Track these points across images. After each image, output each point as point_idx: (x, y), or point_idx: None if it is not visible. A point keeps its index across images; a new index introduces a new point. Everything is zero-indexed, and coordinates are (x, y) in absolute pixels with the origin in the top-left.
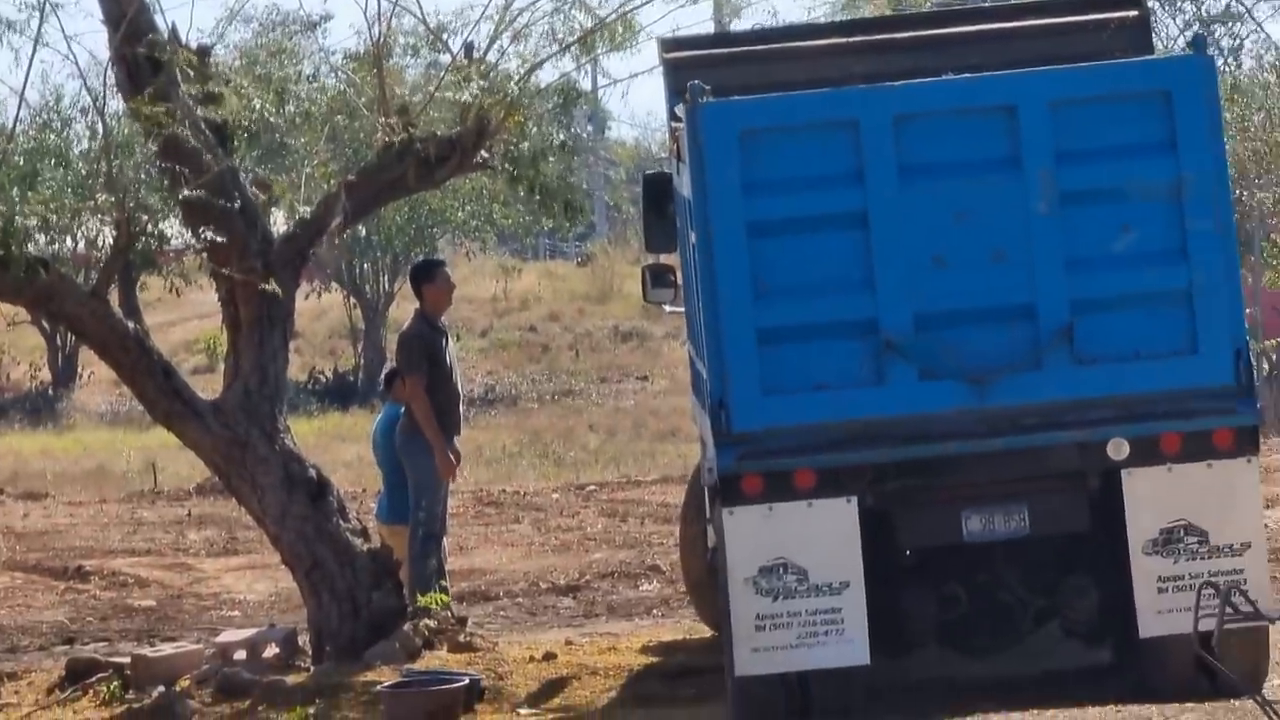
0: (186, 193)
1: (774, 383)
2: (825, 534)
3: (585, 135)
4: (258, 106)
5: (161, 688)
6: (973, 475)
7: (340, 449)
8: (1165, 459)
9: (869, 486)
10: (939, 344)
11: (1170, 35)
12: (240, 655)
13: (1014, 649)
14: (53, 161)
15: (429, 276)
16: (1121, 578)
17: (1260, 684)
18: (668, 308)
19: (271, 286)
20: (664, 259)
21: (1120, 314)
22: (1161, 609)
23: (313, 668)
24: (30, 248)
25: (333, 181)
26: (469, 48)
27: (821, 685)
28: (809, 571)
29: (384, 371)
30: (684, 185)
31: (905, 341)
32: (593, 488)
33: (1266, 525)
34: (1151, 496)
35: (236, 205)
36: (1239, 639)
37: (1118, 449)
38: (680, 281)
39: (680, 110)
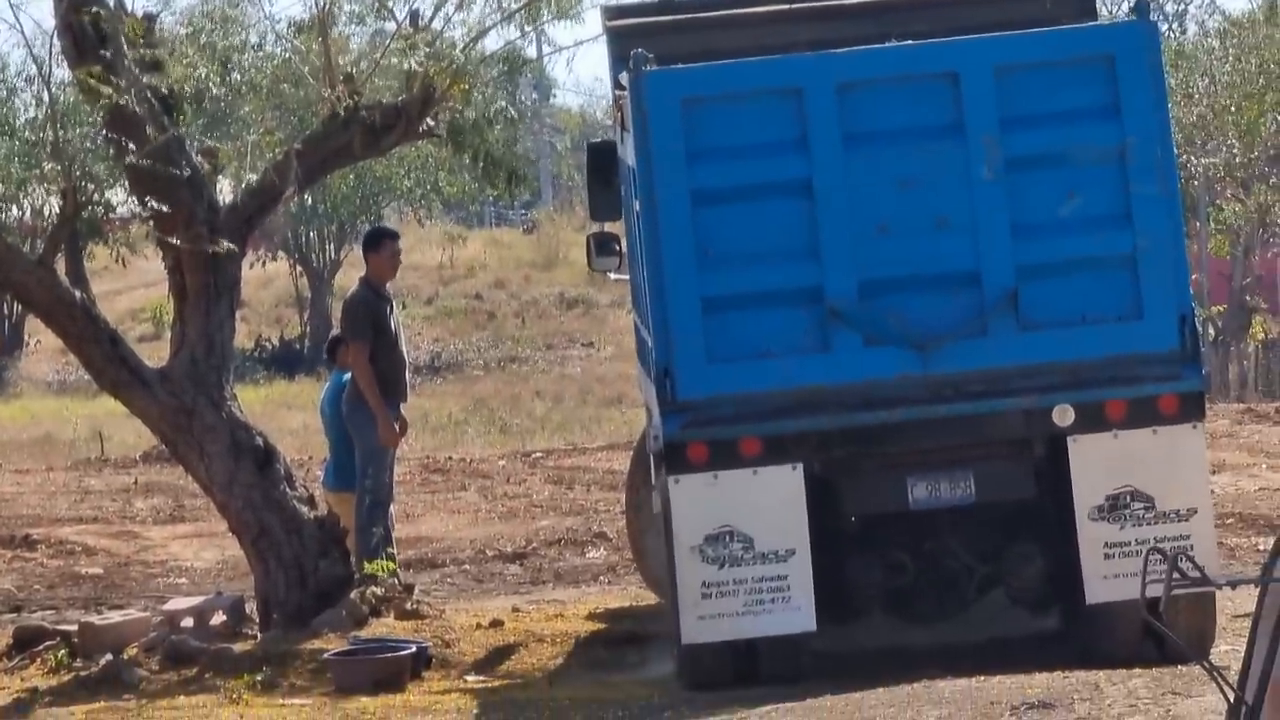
0: (132, 161)
1: (719, 351)
2: (771, 502)
3: (530, 103)
4: (203, 75)
5: (109, 655)
6: (918, 442)
7: (287, 417)
8: (1111, 425)
9: (814, 454)
10: (884, 311)
11: (1114, 2)
12: (188, 623)
13: (960, 616)
14: None
15: (375, 244)
16: (1068, 545)
17: (1207, 649)
18: (613, 275)
19: (218, 253)
20: (609, 227)
21: (1065, 280)
22: (1108, 575)
23: (260, 635)
24: None
25: (279, 150)
26: (414, 15)
27: (768, 652)
28: (755, 539)
29: (329, 339)
30: (628, 153)
31: (850, 309)
32: (539, 455)
33: (1213, 491)
34: (1097, 463)
35: (183, 174)
36: (1186, 605)
37: (1063, 415)
38: (625, 249)
39: (624, 78)
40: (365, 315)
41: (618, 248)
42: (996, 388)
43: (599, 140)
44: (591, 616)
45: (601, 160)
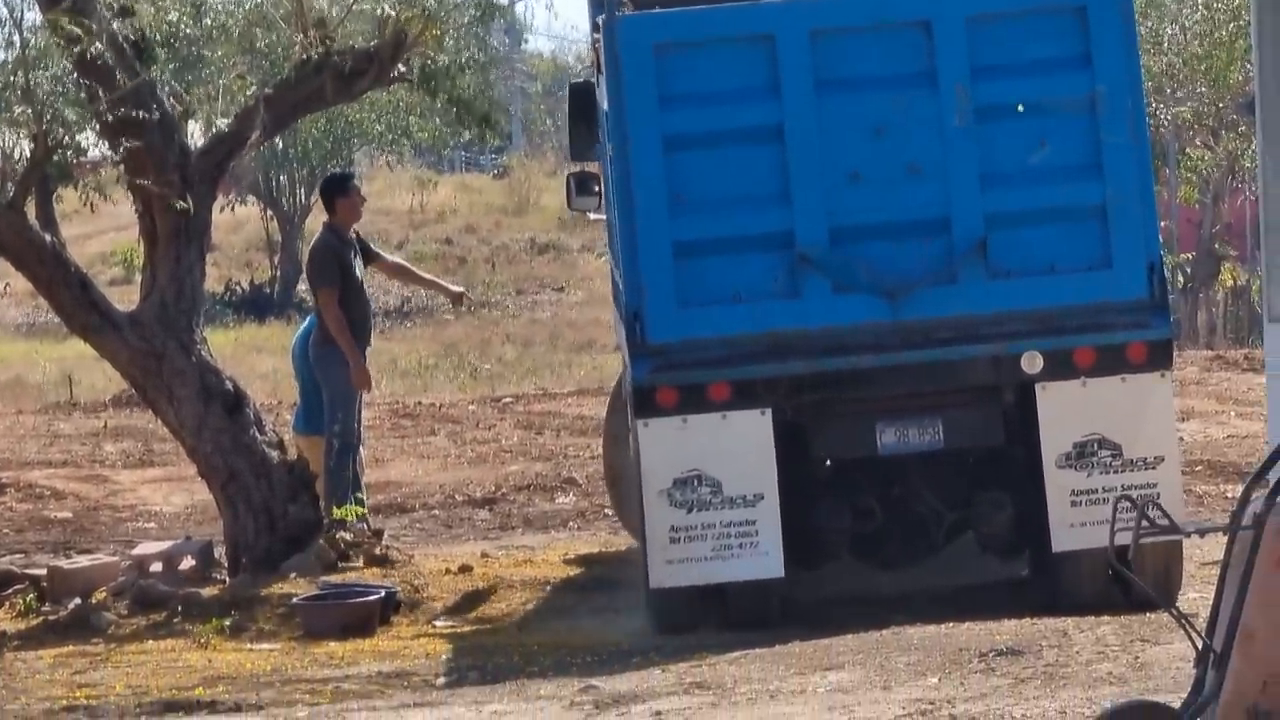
0: (103, 105)
1: (689, 295)
2: (740, 446)
3: (502, 48)
4: (174, 19)
5: (78, 600)
6: (887, 388)
7: (256, 361)
8: (1079, 373)
9: (784, 399)
10: (854, 257)
11: None
12: (157, 567)
13: (930, 562)
14: None
15: (343, 189)
16: (1036, 491)
17: (1174, 596)
18: (591, 215)
19: (188, 200)
20: (589, 168)
21: (1035, 228)
22: (1074, 522)
23: (229, 580)
24: None
25: (250, 95)
26: None
27: (737, 597)
28: (723, 484)
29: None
30: (603, 97)
31: (820, 255)
32: (509, 400)
33: (1182, 438)
34: (1065, 410)
35: (154, 118)
36: (1152, 552)
37: (1031, 363)
38: (603, 191)
39: (600, 21)
40: (332, 261)
41: (597, 188)
42: (965, 334)
43: (580, 81)
44: (561, 562)
45: (582, 101)
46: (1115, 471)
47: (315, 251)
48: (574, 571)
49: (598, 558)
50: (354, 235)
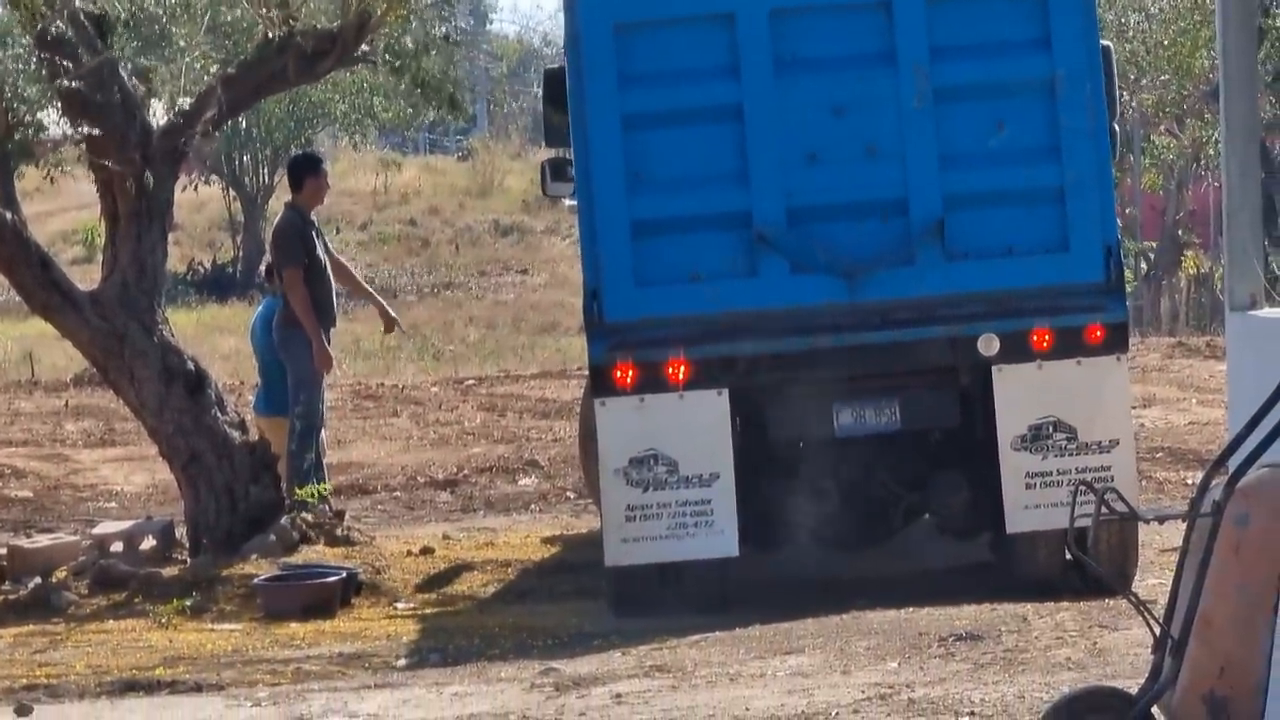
0: (65, 83)
1: (647, 274)
2: (696, 426)
3: (467, 28)
4: None
5: (38, 579)
6: (844, 369)
7: (218, 341)
8: (1035, 355)
9: (740, 379)
10: (812, 238)
11: None
12: (117, 547)
13: (887, 544)
14: None
15: (314, 170)
16: (993, 474)
17: (1130, 581)
18: (567, 201)
19: (149, 179)
20: (564, 154)
21: (993, 210)
22: (1029, 505)
23: (190, 560)
24: None
25: (213, 74)
26: None
27: (694, 577)
28: (679, 463)
29: (264, 263)
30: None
31: (777, 235)
32: (471, 382)
33: (1143, 425)
34: (1021, 393)
35: (116, 97)
36: (1109, 537)
37: (988, 344)
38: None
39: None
40: (297, 240)
41: (572, 174)
42: (922, 316)
43: (555, 66)
44: (522, 544)
45: (556, 86)
46: (1070, 454)
47: (280, 231)
48: (535, 554)
49: (559, 540)
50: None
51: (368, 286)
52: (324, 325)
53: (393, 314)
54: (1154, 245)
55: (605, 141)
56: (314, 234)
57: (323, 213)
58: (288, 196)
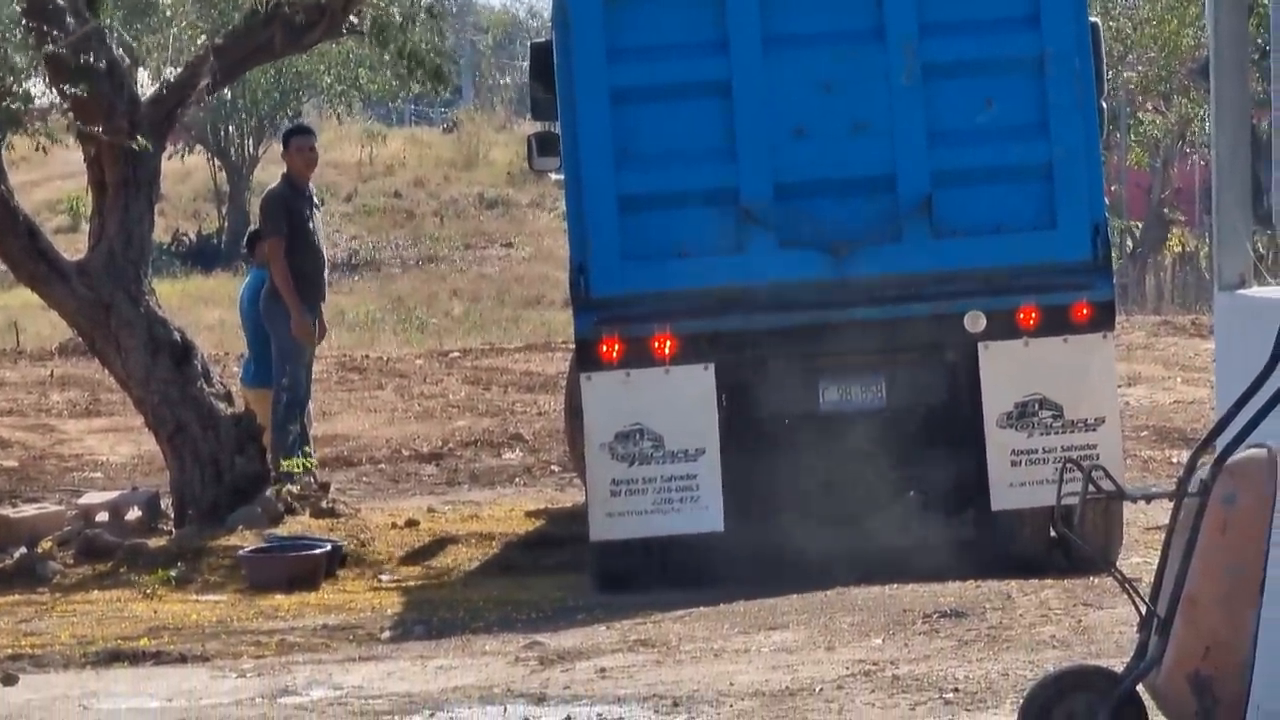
0: (52, 51)
1: (634, 249)
2: (682, 401)
3: (453, 1)
4: None
5: (23, 549)
6: (830, 345)
7: (204, 312)
8: (1021, 333)
9: (726, 354)
10: (799, 214)
11: None
12: (103, 517)
13: (872, 521)
14: None
15: (287, 141)
16: (979, 451)
17: (1113, 560)
18: (553, 175)
19: (138, 147)
20: (550, 128)
21: (980, 187)
22: (1014, 482)
23: (175, 531)
24: None
25: (200, 44)
26: None
27: (679, 552)
28: (665, 438)
29: (248, 234)
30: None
31: (764, 210)
32: (456, 355)
33: (1128, 403)
34: (1007, 370)
35: (103, 66)
36: (1093, 516)
37: (974, 322)
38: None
39: None
40: (281, 211)
41: (559, 148)
42: (909, 293)
43: (542, 40)
44: (507, 518)
45: (543, 61)
46: (1056, 432)
47: (266, 202)
48: (519, 527)
49: (544, 514)
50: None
51: (288, 289)
52: (312, 298)
53: (303, 322)
54: (1139, 223)
55: (593, 116)
56: (307, 205)
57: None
58: (279, 168)
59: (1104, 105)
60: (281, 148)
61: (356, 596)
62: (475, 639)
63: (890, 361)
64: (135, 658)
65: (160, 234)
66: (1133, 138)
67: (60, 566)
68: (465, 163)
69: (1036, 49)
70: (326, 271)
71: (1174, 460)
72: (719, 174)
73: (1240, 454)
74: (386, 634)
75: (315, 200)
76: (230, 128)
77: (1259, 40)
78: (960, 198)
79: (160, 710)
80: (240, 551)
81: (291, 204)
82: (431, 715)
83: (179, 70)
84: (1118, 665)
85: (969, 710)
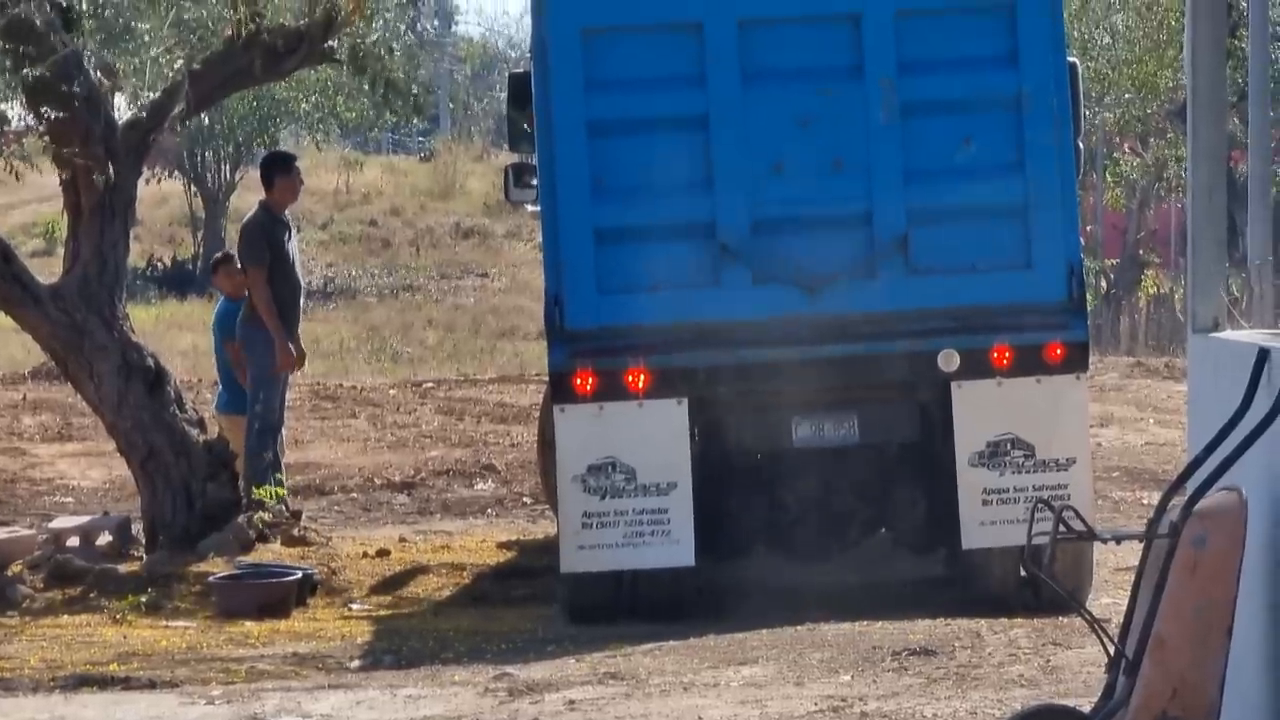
0: (29, 75)
1: (609, 282)
2: (655, 434)
3: (432, 29)
4: None
5: None
6: (803, 381)
7: (177, 337)
8: (995, 372)
9: (700, 389)
10: (775, 249)
11: None
12: (73, 542)
13: (844, 557)
14: None
15: (284, 168)
16: (949, 489)
17: (1083, 600)
18: (529, 207)
19: (112, 173)
20: (530, 159)
21: (956, 226)
22: (985, 521)
23: (146, 557)
24: None
25: (178, 69)
26: None
27: (650, 585)
28: (637, 471)
29: (212, 259)
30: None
31: (740, 246)
32: (430, 385)
33: (1100, 445)
34: (980, 409)
35: (80, 90)
36: (1063, 556)
37: (948, 360)
38: None
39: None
40: (262, 239)
41: (535, 180)
42: (883, 330)
43: (520, 71)
44: (478, 548)
45: (521, 91)
46: (1027, 471)
47: (246, 229)
48: (490, 558)
49: (514, 545)
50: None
51: (270, 317)
52: (290, 325)
53: (285, 349)
54: (1115, 264)
55: (570, 147)
56: (284, 232)
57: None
58: (255, 194)
59: (1080, 145)
60: (263, 174)
61: (326, 625)
62: (445, 669)
63: (863, 398)
64: (104, 683)
65: (135, 259)
66: (1109, 178)
67: (30, 590)
68: (442, 192)
69: (1014, 88)
70: (303, 298)
71: (1145, 501)
72: (696, 208)
73: (1211, 497)
74: (356, 663)
75: (292, 227)
76: (207, 153)
77: (1238, 82)
78: (936, 236)
79: None
80: (211, 578)
81: (271, 232)
82: None
83: (156, 95)
84: (1086, 705)
85: None
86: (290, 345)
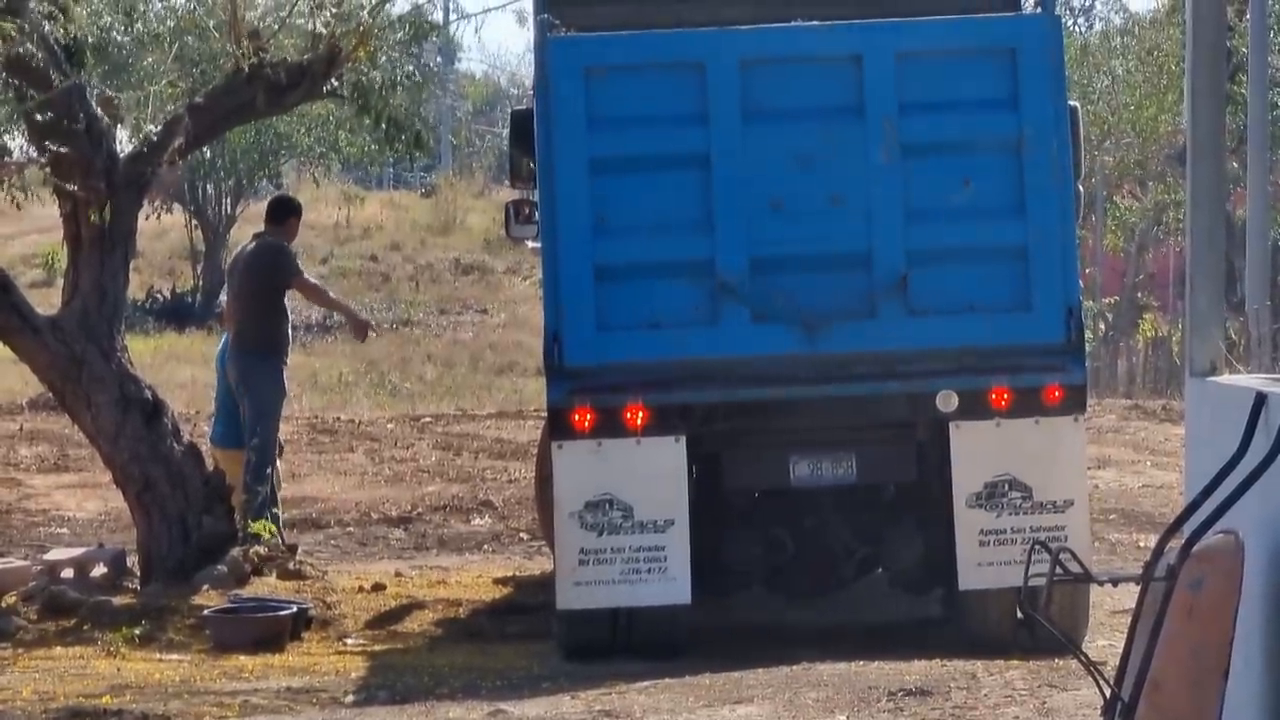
0: (31, 107)
1: (609, 319)
2: (652, 472)
3: (434, 67)
4: (107, 23)
5: None
6: (801, 420)
7: (176, 370)
8: (993, 413)
9: (698, 426)
10: (774, 288)
11: None
12: (68, 573)
13: (840, 596)
14: None
15: (298, 211)
16: (947, 529)
17: (1079, 642)
18: (530, 244)
19: (113, 206)
20: (530, 196)
21: (955, 267)
22: (982, 562)
23: (140, 589)
24: None
25: (180, 103)
26: None
27: (646, 623)
28: (634, 508)
29: (222, 294)
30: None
31: (740, 284)
32: (428, 419)
33: (1097, 486)
34: (978, 450)
35: (82, 123)
36: (1060, 598)
37: (946, 401)
38: None
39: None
40: (292, 256)
41: (536, 216)
42: (882, 370)
43: (522, 108)
44: (474, 584)
45: (523, 128)
46: (1025, 513)
47: (278, 251)
48: (486, 594)
49: (511, 581)
50: None
51: (336, 298)
52: (280, 357)
53: (361, 318)
54: (1113, 305)
55: (571, 184)
56: None
57: None
58: (255, 227)
59: (1080, 188)
60: (278, 212)
61: (321, 659)
62: (439, 705)
63: (861, 438)
64: (97, 715)
65: (135, 290)
66: (1109, 222)
67: (24, 621)
68: (442, 228)
69: (1015, 131)
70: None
71: (1141, 544)
72: (695, 246)
73: (1208, 540)
74: (350, 698)
75: None
76: (208, 186)
77: (1236, 126)
78: (935, 277)
79: None
80: (206, 611)
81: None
82: None
83: (158, 128)
84: None
85: None
86: (362, 317)
